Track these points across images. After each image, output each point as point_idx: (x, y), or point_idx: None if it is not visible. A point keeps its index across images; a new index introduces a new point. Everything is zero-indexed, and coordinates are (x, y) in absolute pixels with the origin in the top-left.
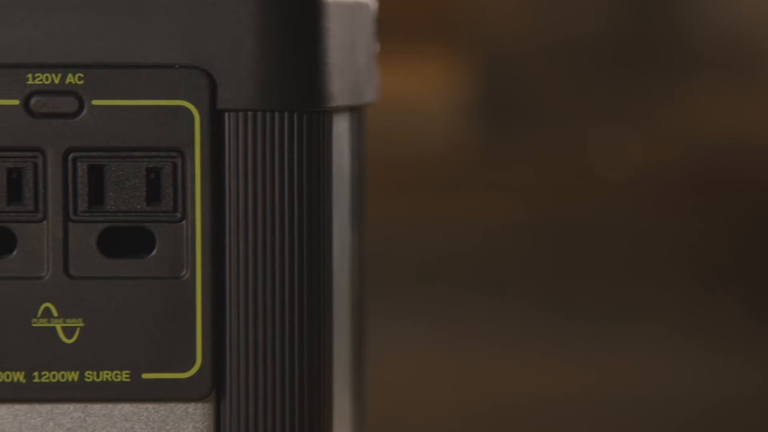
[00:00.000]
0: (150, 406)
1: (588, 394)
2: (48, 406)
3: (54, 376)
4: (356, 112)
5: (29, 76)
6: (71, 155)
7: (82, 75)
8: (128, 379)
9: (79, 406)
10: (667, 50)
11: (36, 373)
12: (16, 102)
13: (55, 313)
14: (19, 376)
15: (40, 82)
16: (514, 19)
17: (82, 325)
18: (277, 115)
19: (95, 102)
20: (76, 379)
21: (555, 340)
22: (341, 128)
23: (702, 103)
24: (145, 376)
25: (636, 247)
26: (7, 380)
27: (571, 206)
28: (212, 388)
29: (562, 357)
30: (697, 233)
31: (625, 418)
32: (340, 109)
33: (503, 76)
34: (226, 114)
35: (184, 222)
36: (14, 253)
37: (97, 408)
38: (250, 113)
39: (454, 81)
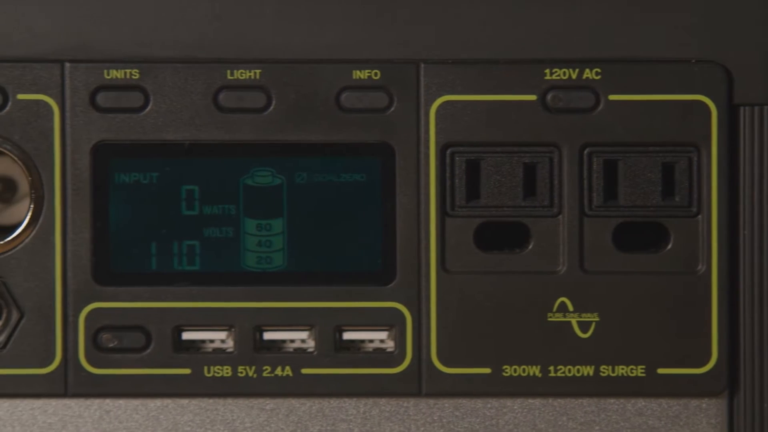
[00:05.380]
0: (664, 401)
1: None
2: (562, 401)
3: (569, 370)
4: None
5: (546, 71)
6: (587, 150)
7: (599, 70)
8: (643, 374)
9: (593, 400)
10: None
11: (551, 368)
12: (533, 97)
13: (570, 308)
14: (534, 370)
15: (557, 78)
16: None
17: (597, 319)
18: None
19: (612, 97)
20: (591, 373)
21: None
22: None
23: None
24: (660, 371)
25: None
26: (523, 374)
27: None
28: (727, 383)
29: None
30: None
31: None
32: None
33: None
34: (742, 108)
35: (699, 217)
36: (529, 247)
37: (610, 402)
38: (765, 108)
39: None
